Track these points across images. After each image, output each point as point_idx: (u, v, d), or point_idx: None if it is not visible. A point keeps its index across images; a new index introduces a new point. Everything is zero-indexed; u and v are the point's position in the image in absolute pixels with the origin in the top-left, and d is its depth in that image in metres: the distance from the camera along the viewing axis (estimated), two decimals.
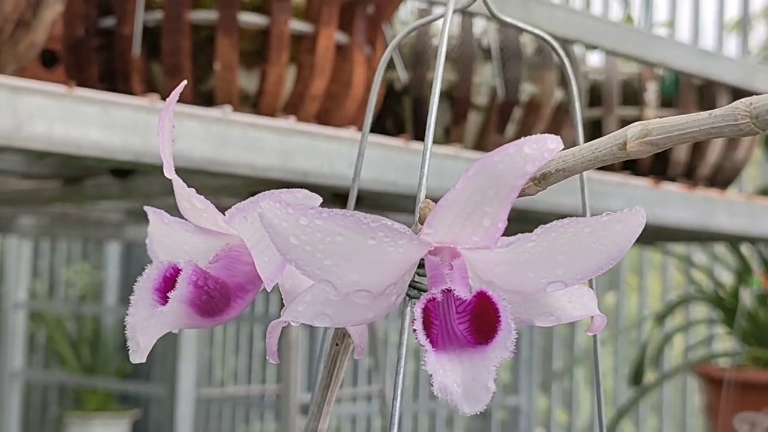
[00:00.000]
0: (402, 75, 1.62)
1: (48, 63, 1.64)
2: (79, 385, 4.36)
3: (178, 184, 0.53)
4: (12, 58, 1.17)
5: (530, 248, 0.46)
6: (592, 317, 0.51)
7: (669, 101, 1.85)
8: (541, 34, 0.63)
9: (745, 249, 3.03)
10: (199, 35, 1.34)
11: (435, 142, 1.16)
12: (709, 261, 3.39)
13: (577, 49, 1.87)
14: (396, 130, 1.65)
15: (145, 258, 0.72)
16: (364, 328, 0.51)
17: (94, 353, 4.46)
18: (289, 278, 0.52)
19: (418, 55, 1.62)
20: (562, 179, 0.51)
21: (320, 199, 0.51)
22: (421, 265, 0.49)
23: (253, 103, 1.36)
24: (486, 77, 1.62)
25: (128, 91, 1.31)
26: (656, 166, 1.83)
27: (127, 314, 0.52)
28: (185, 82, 0.54)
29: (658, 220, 1.65)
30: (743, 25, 3.50)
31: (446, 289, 0.46)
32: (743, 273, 3.02)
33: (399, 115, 1.65)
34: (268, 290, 0.52)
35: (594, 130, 1.85)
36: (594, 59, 2.18)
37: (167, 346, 3.84)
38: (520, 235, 0.46)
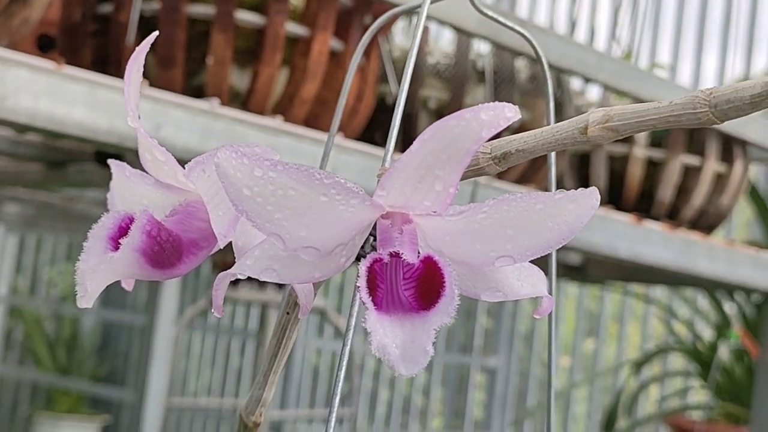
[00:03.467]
0: (394, 89, 1.63)
1: (45, 48, 1.64)
2: (51, 385, 4.35)
3: (141, 133, 0.53)
4: (5, 32, 1.17)
5: (480, 219, 0.46)
6: (541, 299, 0.51)
7: (659, 141, 1.86)
8: (517, 28, 0.63)
9: (726, 306, 3.03)
10: (195, 29, 1.34)
11: None
12: (690, 313, 3.39)
13: (576, 82, 1.88)
14: (384, 143, 1.65)
15: None
16: (310, 288, 0.51)
17: (69, 355, 4.45)
18: (242, 235, 0.52)
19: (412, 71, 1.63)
20: (523, 160, 0.51)
21: (278, 155, 0.51)
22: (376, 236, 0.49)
23: (242, 101, 1.36)
24: (478, 99, 1.63)
25: (118, 78, 1.32)
26: (640, 203, 1.83)
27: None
28: (156, 33, 0.54)
29: (637, 257, 1.65)
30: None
31: (394, 252, 0.45)
32: (722, 327, 3.02)
33: (388, 129, 1.65)
34: (221, 246, 0.52)
35: (582, 164, 1.86)
36: (592, 94, 2.18)
37: (142, 353, 3.83)
38: (472, 204, 0.46)
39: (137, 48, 0.52)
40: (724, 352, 2.93)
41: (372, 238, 0.49)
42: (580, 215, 0.47)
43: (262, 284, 3.14)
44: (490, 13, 0.66)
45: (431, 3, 0.60)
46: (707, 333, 3.23)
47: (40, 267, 4.67)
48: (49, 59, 1.47)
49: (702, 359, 3.01)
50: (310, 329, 4.07)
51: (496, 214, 0.46)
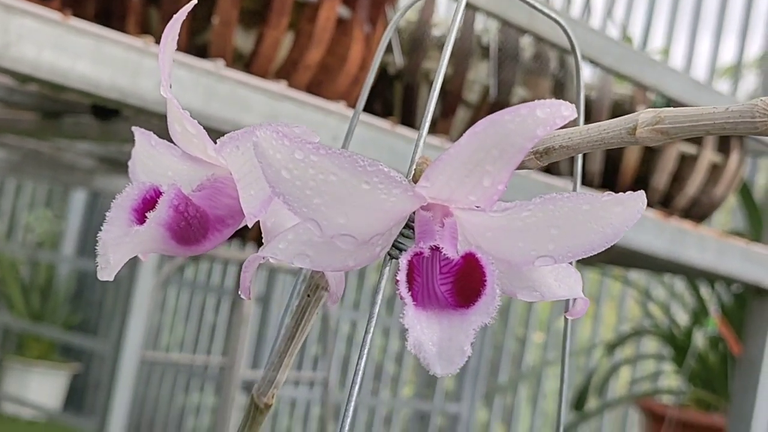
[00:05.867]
0: (398, 59, 1.61)
1: None
2: (23, 330, 4.32)
3: (173, 104, 0.51)
4: None
5: (525, 217, 0.45)
6: (574, 300, 0.50)
7: None
8: (554, 16, 0.62)
9: (703, 290, 3.03)
10: None
11: None
12: (666, 297, 3.40)
13: (572, 62, 1.86)
14: (383, 113, 1.64)
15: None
16: (341, 276, 0.50)
17: (43, 301, 4.42)
18: (272, 216, 0.50)
19: (416, 42, 1.61)
20: (565, 156, 0.49)
21: (318, 138, 0.49)
22: (409, 226, 0.47)
23: (245, 63, 1.34)
24: (480, 75, 1.61)
25: (122, 32, 1.29)
26: (635, 189, 1.82)
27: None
28: (193, 3, 0.52)
29: (629, 243, 1.64)
30: (736, 71, 3.52)
31: (434, 246, 0.44)
32: (699, 313, 3.02)
33: (388, 99, 1.64)
34: (249, 225, 0.50)
35: None
36: (585, 75, 2.17)
37: (117, 304, 3.81)
38: (517, 201, 0.45)
39: (174, 16, 0.51)
40: (699, 339, 2.93)
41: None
42: (625, 219, 0.46)
43: (241, 243, 3.12)
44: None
45: None
46: (682, 317, 3.24)
47: (18, 212, 4.64)
48: (51, 7, 1.44)
49: (677, 344, 3.02)
50: (286, 289, 4.05)
51: (541, 213, 0.45)
